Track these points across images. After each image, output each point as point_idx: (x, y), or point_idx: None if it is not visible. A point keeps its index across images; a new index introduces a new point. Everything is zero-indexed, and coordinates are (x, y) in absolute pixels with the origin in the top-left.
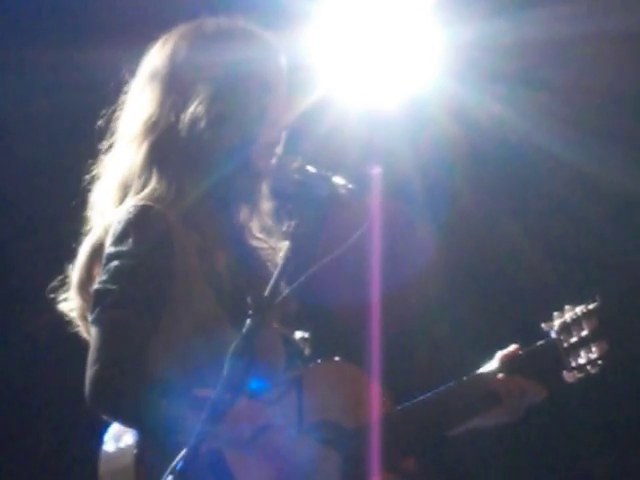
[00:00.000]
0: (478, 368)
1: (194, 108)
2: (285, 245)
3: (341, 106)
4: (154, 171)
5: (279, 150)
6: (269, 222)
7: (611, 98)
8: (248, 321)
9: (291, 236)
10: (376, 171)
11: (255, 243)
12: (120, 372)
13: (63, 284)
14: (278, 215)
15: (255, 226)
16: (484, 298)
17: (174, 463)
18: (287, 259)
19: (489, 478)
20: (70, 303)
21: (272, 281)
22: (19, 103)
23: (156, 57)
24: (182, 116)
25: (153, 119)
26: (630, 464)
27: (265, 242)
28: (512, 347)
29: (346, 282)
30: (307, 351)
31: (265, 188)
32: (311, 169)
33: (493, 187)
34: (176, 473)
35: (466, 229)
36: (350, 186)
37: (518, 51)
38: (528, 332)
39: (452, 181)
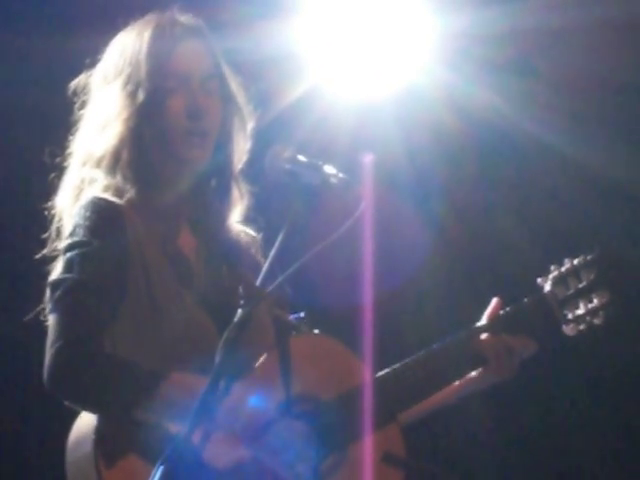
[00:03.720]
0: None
1: (100, 111)
2: (258, 234)
3: (332, 95)
4: (93, 175)
5: (202, 140)
6: (237, 211)
7: (604, 87)
8: (239, 310)
9: (283, 225)
10: (368, 159)
11: (227, 229)
12: (76, 354)
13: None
14: (263, 204)
15: (226, 214)
16: (479, 291)
17: (165, 453)
18: (279, 248)
19: (478, 457)
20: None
21: (263, 270)
22: (13, 92)
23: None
24: (94, 122)
25: (82, 132)
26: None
27: (236, 228)
28: (494, 301)
29: (338, 279)
30: (303, 330)
31: (230, 180)
32: (302, 158)
33: (487, 177)
34: (167, 462)
35: (459, 219)
36: (341, 175)
37: (511, 40)
38: None
39: (445, 171)
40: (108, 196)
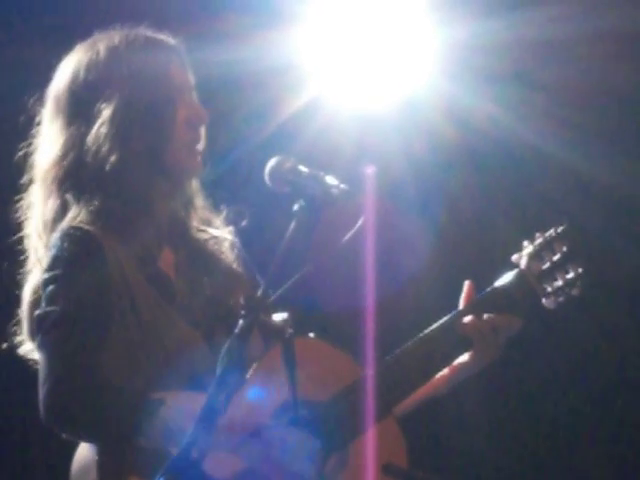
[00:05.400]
0: None
1: (97, 129)
2: (229, 231)
3: (334, 106)
4: (71, 200)
5: (201, 147)
6: (207, 214)
7: (605, 98)
8: (240, 321)
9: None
10: (369, 170)
11: (200, 236)
12: (71, 386)
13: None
14: (265, 215)
15: (195, 221)
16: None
17: (166, 465)
18: (280, 258)
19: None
20: (26, 346)
21: (265, 281)
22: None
23: (58, 82)
24: (87, 140)
25: (59, 153)
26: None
27: (208, 233)
28: (466, 285)
29: (340, 286)
30: (288, 332)
31: (195, 184)
32: (304, 169)
33: (487, 187)
34: (168, 474)
35: (461, 230)
36: (343, 186)
37: (512, 51)
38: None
39: (446, 181)
40: (83, 225)
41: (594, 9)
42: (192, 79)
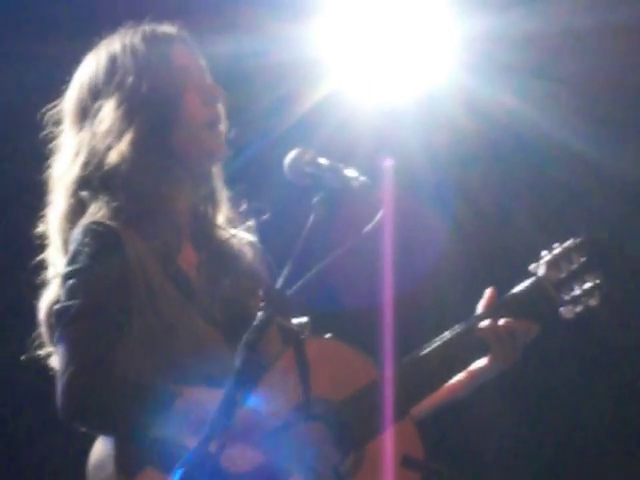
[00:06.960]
0: None
1: (97, 127)
2: (250, 228)
3: (353, 99)
4: (88, 199)
5: (223, 127)
6: (229, 212)
7: (625, 90)
8: (259, 313)
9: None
10: (388, 163)
11: (223, 236)
12: (89, 379)
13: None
14: (284, 207)
15: (219, 219)
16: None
17: (184, 457)
18: (299, 251)
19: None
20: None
21: (284, 273)
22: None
23: (69, 97)
24: (92, 140)
25: (71, 157)
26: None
27: (230, 232)
28: (488, 292)
29: (358, 280)
30: (306, 335)
31: (218, 176)
32: (323, 161)
33: (507, 180)
34: (185, 467)
35: (480, 223)
36: (362, 178)
37: (532, 43)
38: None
39: (465, 175)
40: (104, 220)
41: (614, 0)
42: (202, 62)
